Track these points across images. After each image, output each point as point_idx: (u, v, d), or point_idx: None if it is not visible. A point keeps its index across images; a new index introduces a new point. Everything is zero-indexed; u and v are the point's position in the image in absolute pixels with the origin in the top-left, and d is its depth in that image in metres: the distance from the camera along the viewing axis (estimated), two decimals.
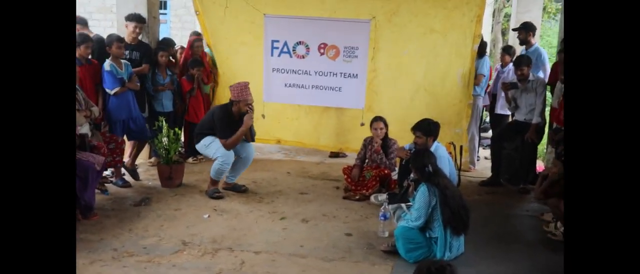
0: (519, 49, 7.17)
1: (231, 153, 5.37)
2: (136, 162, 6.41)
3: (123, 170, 5.79)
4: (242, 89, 5.30)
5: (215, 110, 5.56)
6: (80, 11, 9.78)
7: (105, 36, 6.02)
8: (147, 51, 6.26)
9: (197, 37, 6.86)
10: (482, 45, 6.60)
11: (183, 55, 6.90)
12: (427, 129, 4.91)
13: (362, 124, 6.38)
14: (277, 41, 6.59)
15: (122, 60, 5.75)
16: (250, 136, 5.55)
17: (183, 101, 6.58)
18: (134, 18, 6.11)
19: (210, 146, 5.39)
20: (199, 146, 5.53)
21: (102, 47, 5.81)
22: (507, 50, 7.39)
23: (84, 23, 6.25)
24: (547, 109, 6.01)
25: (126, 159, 5.86)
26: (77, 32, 5.66)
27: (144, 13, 6.35)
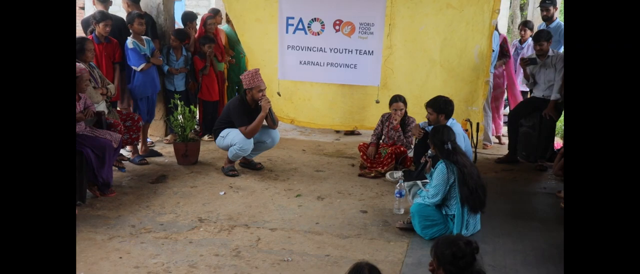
0: (537, 24, 7.02)
1: (250, 141, 5.31)
2: (153, 140, 6.50)
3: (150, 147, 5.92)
4: (253, 76, 5.27)
5: (230, 103, 5.54)
6: None
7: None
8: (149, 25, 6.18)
9: (210, 15, 6.82)
10: None
11: (196, 33, 6.88)
12: (438, 106, 4.79)
13: (378, 102, 6.34)
14: (292, 18, 6.52)
15: (143, 37, 5.78)
16: (272, 121, 5.49)
17: (196, 79, 6.57)
18: None
19: (227, 136, 5.35)
20: (217, 141, 5.50)
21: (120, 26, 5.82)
22: (526, 24, 7.24)
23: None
24: None
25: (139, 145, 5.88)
26: (97, 10, 5.67)
27: None
